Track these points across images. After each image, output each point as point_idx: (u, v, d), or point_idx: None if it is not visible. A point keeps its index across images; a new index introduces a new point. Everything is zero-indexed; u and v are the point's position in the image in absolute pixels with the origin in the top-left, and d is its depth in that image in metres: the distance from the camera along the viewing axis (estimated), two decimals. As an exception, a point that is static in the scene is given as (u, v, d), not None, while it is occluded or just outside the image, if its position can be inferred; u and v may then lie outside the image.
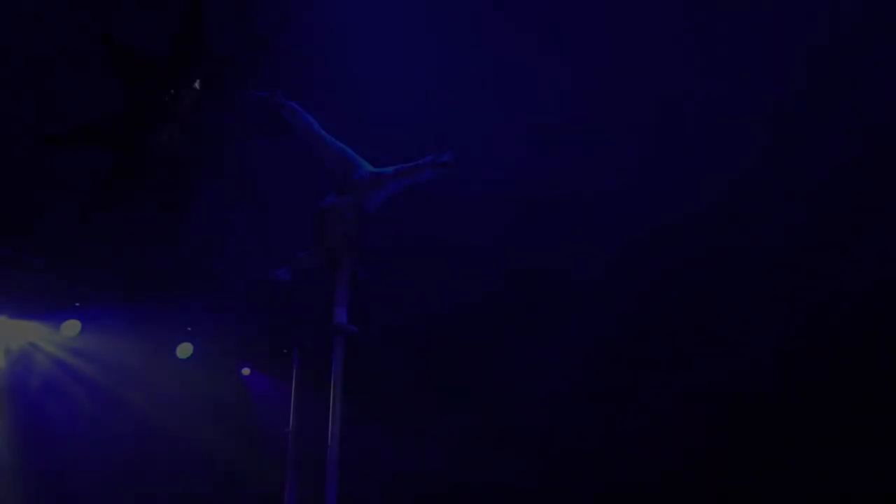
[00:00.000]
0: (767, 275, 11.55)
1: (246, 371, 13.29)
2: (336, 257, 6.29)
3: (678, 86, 10.94)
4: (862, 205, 10.98)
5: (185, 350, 12.48)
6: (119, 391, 11.93)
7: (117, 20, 11.89)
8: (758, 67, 10.65)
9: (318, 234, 6.42)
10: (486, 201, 11.83)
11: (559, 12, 10.92)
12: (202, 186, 13.13)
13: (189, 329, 12.64)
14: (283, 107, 6.57)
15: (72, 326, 11.57)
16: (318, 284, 6.60)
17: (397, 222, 10.26)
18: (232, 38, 12.86)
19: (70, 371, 11.74)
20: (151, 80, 12.65)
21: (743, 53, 10.68)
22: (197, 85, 13.07)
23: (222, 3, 12.59)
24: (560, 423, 12.63)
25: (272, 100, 6.62)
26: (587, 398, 12.47)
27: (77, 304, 11.85)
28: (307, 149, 6.66)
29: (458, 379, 13.05)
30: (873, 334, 11.12)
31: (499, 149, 11.41)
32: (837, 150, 10.69)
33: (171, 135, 12.86)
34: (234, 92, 6.72)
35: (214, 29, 12.79)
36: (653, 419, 12.25)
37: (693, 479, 12.00)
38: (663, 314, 12.07)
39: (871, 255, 10.94)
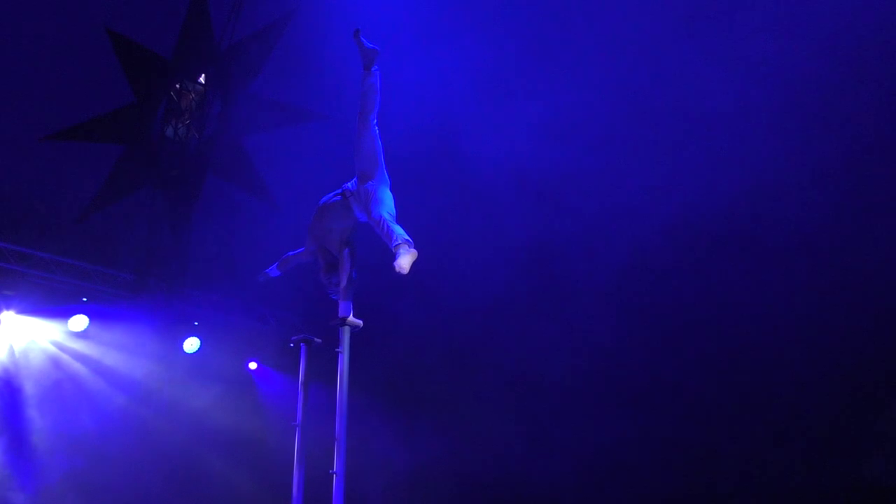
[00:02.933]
0: (786, 263, 11.49)
1: (253, 365, 13.31)
2: (332, 253, 6.26)
3: (696, 78, 10.91)
4: (881, 194, 10.91)
5: (192, 344, 12.50)
6: (126, 386, 11.95)
7: (123, 15, 11.91)
8: (777, 59, 10.62)
9: (314, 230, 6.36)
10: (502, 193, 11.85)
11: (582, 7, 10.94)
12: (210, 181, 13.16)
13: (196, 323, 12.66)
14: (371, 72, 6.17)
15: (79, 322, 11.59)
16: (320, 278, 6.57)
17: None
18: (237, 33, 12.89)
19: (76, 366, 11.76)
20: (157, 74, 12.67)
21: (761, 45, 10.65)
22: (202, 79, 13.10)
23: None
24: (580, 417, 12.58)
25: (373, 57, 6.11)
26: (608, 390, 12.44)
27: (84, 300, 11.87)
28: (355, 127, 6.27)
29: (469, 372, 13.05)
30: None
31: (519, 141, 11.40)
32: (855, 140, 10.64)
33: (177, 129, 12.88)
34: (355, 31, 5.94)
35: (220, 24, 12.84)
36: (672, 409, 12.20)
37: (714, 472, 11.97)
38: (682, 303, 12.00)
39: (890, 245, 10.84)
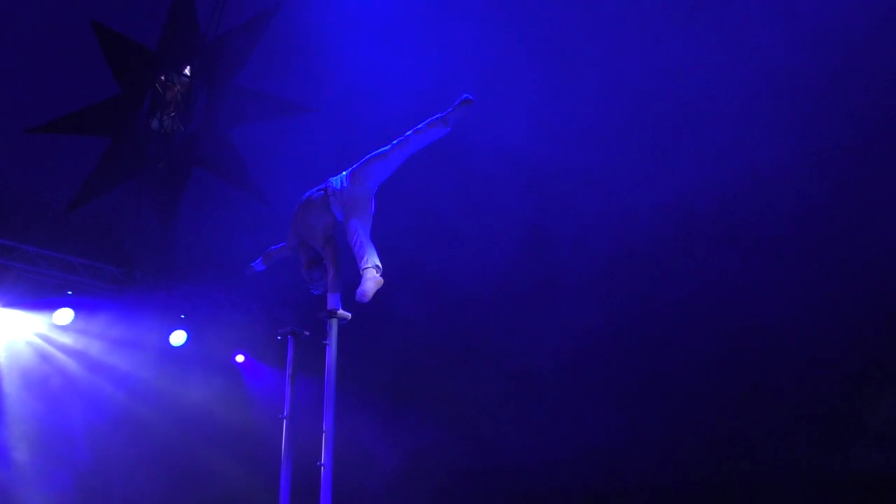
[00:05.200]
0: (783, 254, 11.52)
1: (240, 358, 13.29)
2: (314, 249, 6.22)
3: (695, 69, 10.91)
4: (880, 186, 10.93)
5: (179, 337, 12.47)
6: (112, 379, 11.92)
7: (107, 6, 11.84)
8: (776, 49, 10.64)
9: (296, 226, 6.31)
10: (498, 185, 11.85)
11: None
12: (197, 174, 13.12)
13: (183, 316, 12.62)
14: (446, 126, 5.83)
15: (64, 315, 11.54)
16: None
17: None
18: (223, 25, 12.84)
19: (61, 360, 11.71)
20: (142, 66, 12.60)
21: (761, 36, 10.67)
22: (188, 71, 13.04)
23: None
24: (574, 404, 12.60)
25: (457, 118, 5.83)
26: (602, 382, 12.46)
27: (70, 293, 11.82)
28: (394, 141, 6.13)
29: (461, 363, 13.05)
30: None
31: (517, 133, 11.38)
32: (854, 131, 10.68)
33: (163, 122, 12.82)
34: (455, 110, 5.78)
35: (205, 15, 12.78)
36: (668, 401, 12.22)
37: (708, 463, 12.01)
38: (680, 294, 12.01)
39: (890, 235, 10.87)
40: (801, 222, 11.28)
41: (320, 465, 5.60)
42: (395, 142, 6.01)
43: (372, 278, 5.66)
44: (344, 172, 6.20)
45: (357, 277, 5.80)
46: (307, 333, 6.25)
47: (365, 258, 5.75)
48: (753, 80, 10.96)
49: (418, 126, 5.94)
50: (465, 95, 5.81)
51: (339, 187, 6.10)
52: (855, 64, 10.44)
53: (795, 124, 10.89)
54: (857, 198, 11.11)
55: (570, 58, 11.31)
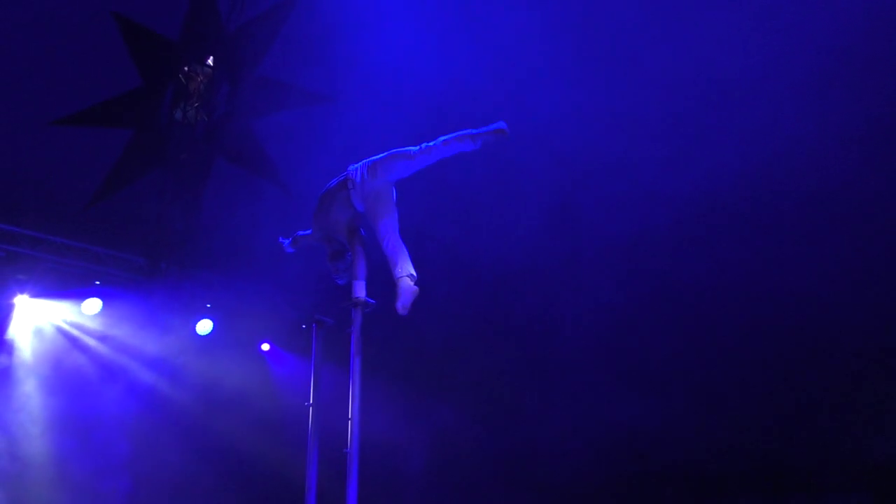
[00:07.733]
0: (809, 236, 11.41)
1: (265, 346, 13.36)
2: (338, 241, 6.22)
3: (720, 49, 10.80)
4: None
5: (205, 326, 12.56)
6: (140, 368, 12.02)
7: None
8: (805, 29, 10.52)
9: (318, 220, 6.31)
10: (527, 168, 11.82)
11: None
12: (220, 164, 13.16)
13: (209, 305, 12.70)
14: (476, 144, 5.89)
15: (93, 305, 11.65)
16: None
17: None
18: (245, 14, 12.83)
19: (90, 349, 11.84)
20: (164, 57, 12.62)
21: (789, 16, 10.55)
22: (210, 62, 13.04)
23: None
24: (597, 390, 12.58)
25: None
26: (626, 368, 12.43)
27: (97, 283, 11.93)
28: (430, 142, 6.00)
29: (483, 350, 13.05)
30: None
31: (543, 115, 11.33)
32: (883, 112, 10.54)
33: (186, 112, 12.85)
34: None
35: (226, 5, 12.77)
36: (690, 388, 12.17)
37: (729, 451, 11.96)
38: (704, 278, 11.93)
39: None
40: (826, 203, 11.17)
41: (346, 451, 5.63)
42: (423, 145, 6.02)
43: (408, 288, 5.67)
44: (362, 162, 6.20)
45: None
46: (331, 322, 6.27)
47: (399, 266, 5.74)
48: (782, 62, 10.83)
49: (448, 137, 5.96)
50: (501, 124, 5.82)
51: (358, 180, 6.10)
52: (885, 43, 10.28)
53: (822, 107, 10.76)
54: (884, 180, 10.97)
55: (600, 41, 11.22)
